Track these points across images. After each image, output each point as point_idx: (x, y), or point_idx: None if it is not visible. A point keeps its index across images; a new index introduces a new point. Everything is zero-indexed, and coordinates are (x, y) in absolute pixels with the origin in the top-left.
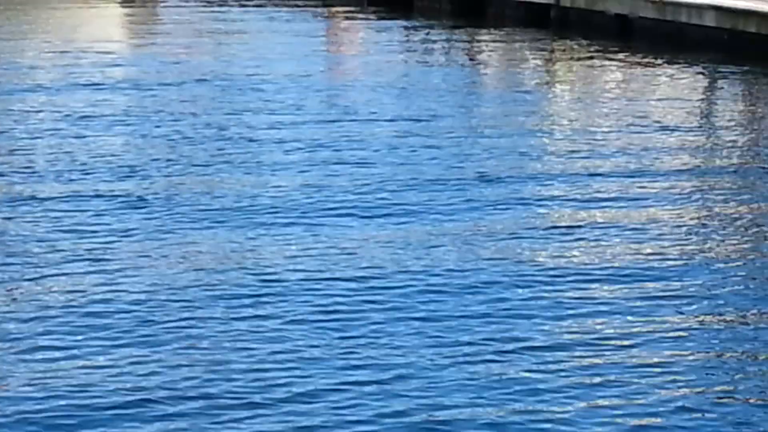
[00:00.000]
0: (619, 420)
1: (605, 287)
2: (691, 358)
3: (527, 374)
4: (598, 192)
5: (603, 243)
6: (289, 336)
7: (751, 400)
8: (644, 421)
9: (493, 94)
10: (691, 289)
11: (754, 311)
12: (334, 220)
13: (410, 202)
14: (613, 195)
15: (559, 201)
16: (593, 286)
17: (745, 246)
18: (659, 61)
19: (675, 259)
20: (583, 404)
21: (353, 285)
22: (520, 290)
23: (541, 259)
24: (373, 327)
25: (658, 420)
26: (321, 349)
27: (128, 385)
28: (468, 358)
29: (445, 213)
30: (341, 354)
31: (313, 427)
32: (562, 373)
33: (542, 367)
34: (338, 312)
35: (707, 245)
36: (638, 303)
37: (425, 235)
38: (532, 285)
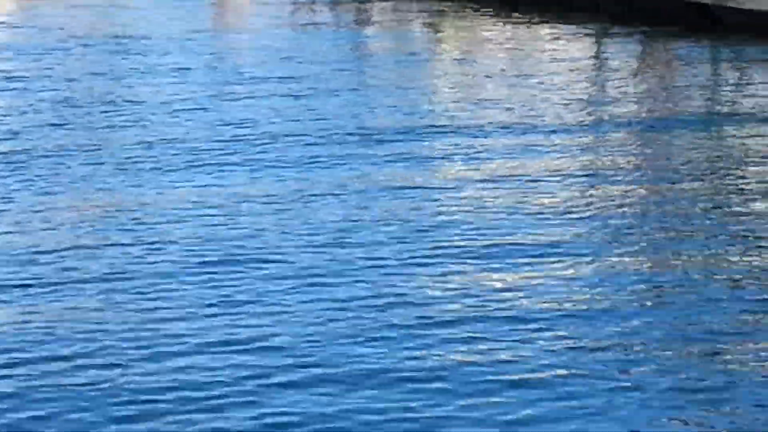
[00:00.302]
0: (498, 374)
1: (489, 240)
2: (572, 307)
3: (407, 326)
4: (483, 147)
5: (488, 197)
6: (167, 288)
7: (633, 345)
8: (523, 376)
9: (380, 55)
10: (576, 241)
11: (637, 260)
12: (219, 176)
13: (294, 158)
14: (498, 150)
15: (444, 156)
16: (478, 239)
17: (630, 197)
18: (547, 23)
19: (561, 212)
20: (458, 357)
21: (236, 239)
22: (405, 244)
23: (427, 213)
24: (253, 282)
25: (538, 375)
26: (198, 305)
27: None
28: (347, 313)
29: (328, 168)
30: (218, 309)
31: (190, 381)
32: (442, 325)
33: (421, 320)
34: (217, 264)
35: (593, 198)
36: (522, 255)
37: (311, 190)
38: (417, 239)
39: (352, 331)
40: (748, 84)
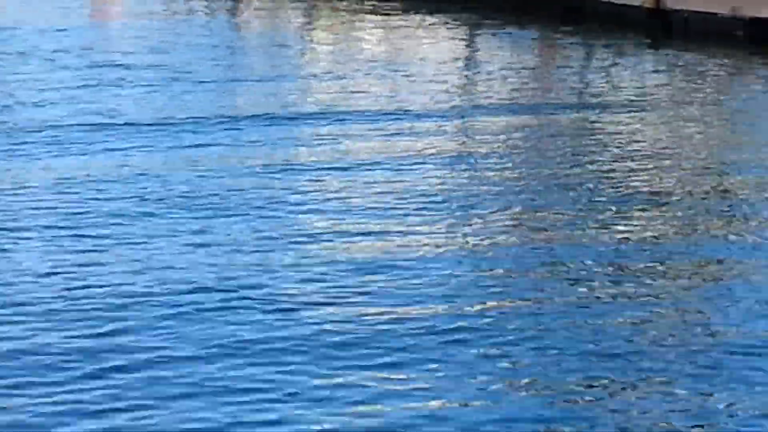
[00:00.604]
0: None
1: (357, 219)
2: (434, 290)
3: (255, 305)
4: (352, 132)
5: (359, 176)
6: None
7: (486, 320)
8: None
9: (252, 44)
10: (441, 221)
11: (503, 237)
12: (82, 160)
13: (158, 143)
14: (367, 135)
15: (311, 141)
16: (348, 217)
17: (496, 179)
18: (420, 14)
19: (426, 194)
20: (305, 331)
21: (93, 200)
22: (271, 220)
23: (299, 189)
24: (103, 256)
25: (405, 357)
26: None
27: None
28: (190, 296)
29: (192, 148)
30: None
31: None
32: (304, 296)
33: (273, 299)
34: (68, 220)
35: (461, 178)
36: (388, 233)
37: (174, 170)
38: (288, 215)
39: (197, 307)
40: (612, 73)
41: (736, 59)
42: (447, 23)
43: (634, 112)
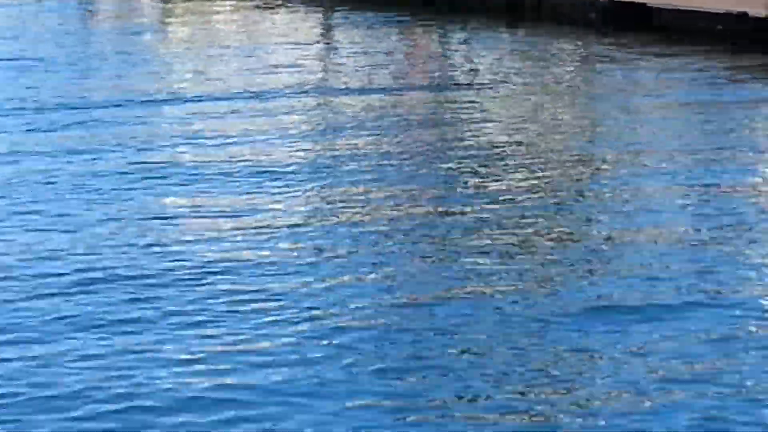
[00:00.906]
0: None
1: (213, 196)
2: (299, 254)
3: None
4: (208, 111)
5: (213, 153)
6: None
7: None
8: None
9: (108, 30)
10: (298, 191)
11: (356, 210)
12: None
13: (17, 126)
14: (224, 113)
15: (167, 120)
16: (204, 193)
17: (351, 153)
18: (276, 5)
19: (284, 165)
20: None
21: None
22: (127, 201)
23: (154, 169)
24: None
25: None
26: None
27: None
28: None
29: (43, 132)
30: None
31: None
32: (162, 274)
33: (146, 269)
34: None
35: (317, 153)
36: (244, 208)
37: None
38: (144, 195)
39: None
40: (468, 55)
41: (589, 42)
42: (306, 11)
43: (489, 92)
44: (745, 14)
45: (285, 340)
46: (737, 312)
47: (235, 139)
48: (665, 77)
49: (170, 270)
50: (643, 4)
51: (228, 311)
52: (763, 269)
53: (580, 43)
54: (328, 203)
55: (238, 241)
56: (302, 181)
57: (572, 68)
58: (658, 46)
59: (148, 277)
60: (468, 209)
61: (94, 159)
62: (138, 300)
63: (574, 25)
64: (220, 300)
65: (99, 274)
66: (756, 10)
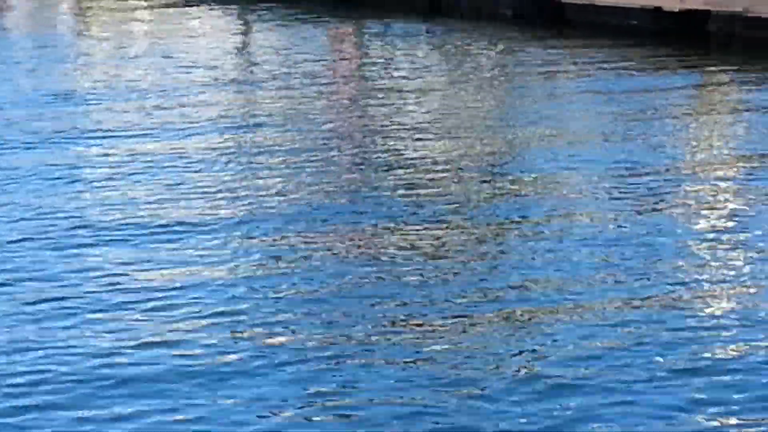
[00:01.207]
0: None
1: (124, 188)
2: (210, 247)
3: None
4: (118, 108)
5: (122, 147)
6: None
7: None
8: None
9: (22, 36)
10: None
11: (265, 205)
12: None
13: None
14: (133, 109)
15: (78, 116)
16: (114, 186)
17: (266, 145)
18: (193, 3)
19: (195, 160)
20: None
21: None
22: (37, 192)
23: (64, 162)
24: None
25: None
26: None
27: None
28: None
29: None
30: None
31: None
32: (72, 270)
33: (55, 266)
34: None
35: (227, 147)
36: (153, 202)
37: None
38: (54, 187)
39: None
40: (385, 51)
41: (505, 37)
42: (219, 11)
43: (407, 87)
44: (659, 9)
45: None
46: (646, 294)
47: (143, 133)
48: (579, 69)
49: (83, 262)
50: (558, 0)
51: (143, 300)
52: (679, 251)
53: (496, 38)
54: (235, 190)
55: (146, 240)
56: (209, 171)
57: (488, 62)
58: (572, 40)
59: (57, 272)
60: (384, 208)
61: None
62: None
63: (491, 20)
64: (127, 290)
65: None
66: (670, 5)
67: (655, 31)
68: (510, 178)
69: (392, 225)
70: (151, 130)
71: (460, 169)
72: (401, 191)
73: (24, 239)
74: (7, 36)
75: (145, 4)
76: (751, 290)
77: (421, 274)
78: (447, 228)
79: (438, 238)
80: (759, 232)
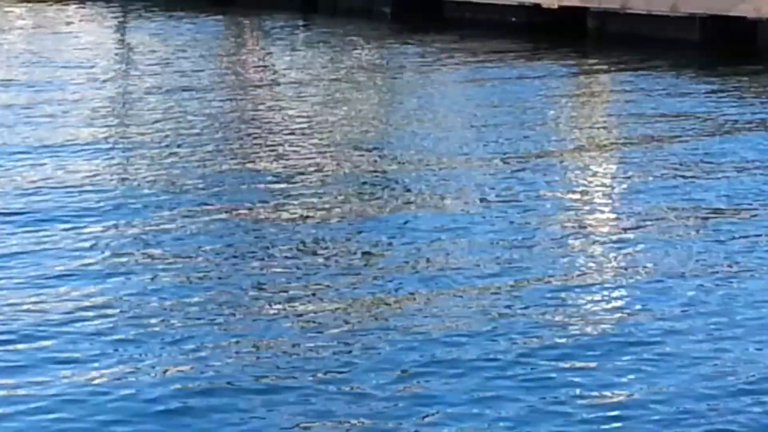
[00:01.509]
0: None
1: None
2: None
3: None
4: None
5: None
6: None
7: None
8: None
9: None
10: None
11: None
12: None
13: None
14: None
15: None
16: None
17: (149, 155)
18: (76, 5)
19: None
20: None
21: None
22: None
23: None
24: None
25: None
26: None
27: None
28: None
29: None
30: None
31: None
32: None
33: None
34: None
35: (114, 156)
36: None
37: None
38: None
39: None
40: (266, 50)
41: (383, 34)
42: (101, 12)
43: (284, 84)
44: (538, 6)
45: None
46: (513, 279)
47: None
48: (456, 62)
49: None
50: None
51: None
52: (549, 236)
53: (373, 34)
54: (102, 183)
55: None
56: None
57: (367, 58)
58: (450, 35)
59: None
60: (262, 207)
61: None
62: None
63: (367, 18)
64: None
65: None
66: (548, 2)
67: (534, 27)
68: (384, 168)
69: (267, 215)
70: (23, 125)
71: (335, 160)
72: (276, 184)
73: None
74: None
75: (22, 5)
76: (618, 272)
77: (297, 267)
78: (322, 218)
79: (313, 225)
80: (627, 211)
